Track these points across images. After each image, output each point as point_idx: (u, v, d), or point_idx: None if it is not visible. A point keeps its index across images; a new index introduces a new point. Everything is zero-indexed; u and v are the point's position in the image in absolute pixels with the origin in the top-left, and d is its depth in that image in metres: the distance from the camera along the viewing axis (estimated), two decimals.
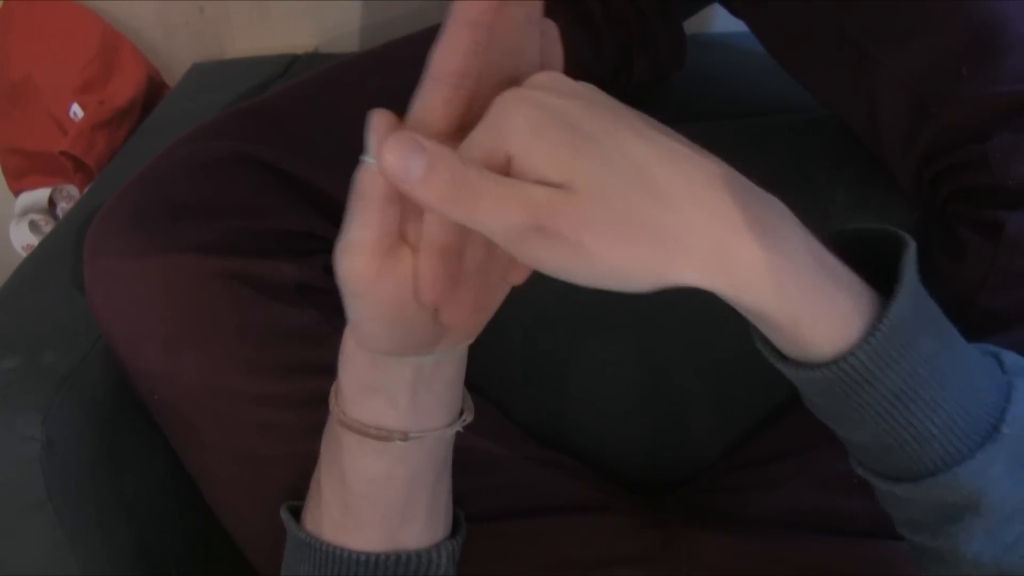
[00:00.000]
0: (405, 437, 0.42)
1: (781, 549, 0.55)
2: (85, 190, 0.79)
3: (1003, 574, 0.36)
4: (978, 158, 0.48)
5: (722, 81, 0.79)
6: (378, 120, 0.35)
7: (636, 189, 0.31)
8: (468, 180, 0.31)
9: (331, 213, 0.55)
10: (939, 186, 0.53)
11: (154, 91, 0.96)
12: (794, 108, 0.71)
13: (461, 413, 0.45)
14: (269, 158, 0.54)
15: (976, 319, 0.49)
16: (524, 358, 0.65)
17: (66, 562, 0.51)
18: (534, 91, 0.33)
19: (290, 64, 0.88)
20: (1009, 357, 0.38)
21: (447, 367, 0.42)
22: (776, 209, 0.34)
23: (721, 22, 0.89)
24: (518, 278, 0.39)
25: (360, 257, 0.36)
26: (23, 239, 0.94)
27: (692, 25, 0.76)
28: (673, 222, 0.31)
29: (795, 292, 0.33)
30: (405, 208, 0.36)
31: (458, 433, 0.45)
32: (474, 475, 0.55)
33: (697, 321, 0.63)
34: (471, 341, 0.42)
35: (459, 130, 0.35)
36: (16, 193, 0.96)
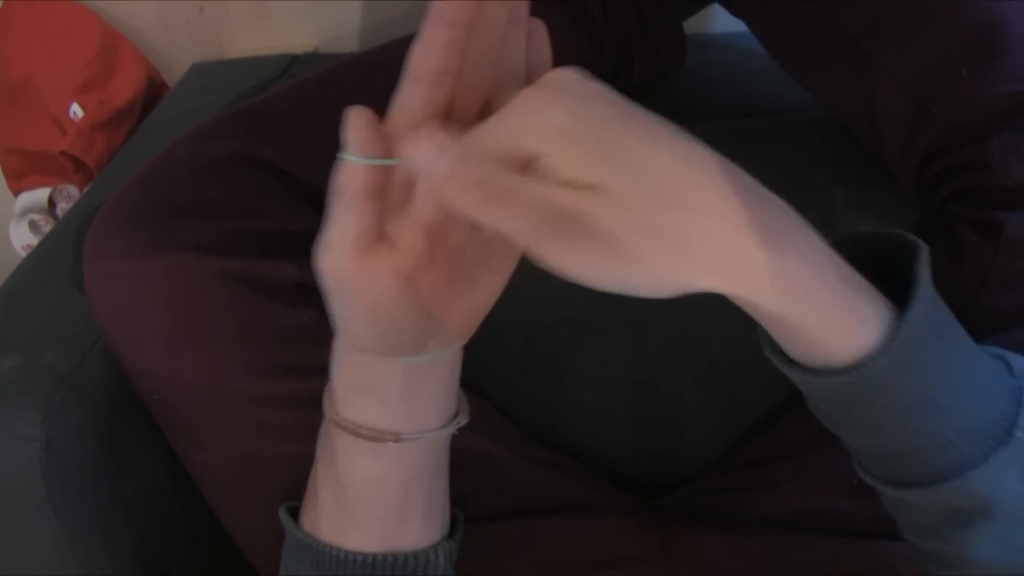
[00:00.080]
0: (397, 438, 0.42)
1: (781, 549, 0.55)
2: (85, 190, 0.79)
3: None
4: (978, 158, 0.48)
5: (722, 81, 0.79)
6: (355, 117, 0.35)
7: (660, 196, 0.31)
8: (495, 183, 0.31)
9: None
10: (939, 186, 0.53)
11: (154, 91, 0.96)
12: (794, 108, 0.71)
13: (456, 415, 0.45)
14: (269, 158, 0.54)
15: (976, 320, 0.49)
16: (524, 359, 0.65)
17: (65, 562, 0.51)
18: (556, 91, 0.33)
19: (290, 64, 0.88)
20: (1017, 361, 0.38)
21: (440, 369, 0.42)
22: (791, 215, 0.34)
23: (721, 22, 0.90)
24: (499, 266, 0.39)
25: (339, 254, 0.36)
26: (23, 239, 0.94)
27: (692, 25, 0.76)
28: (698, 229, 0.31)
29: (817, 298, 0.33)
30: (386, 205, 0.36)
31: (458, 433, 0.45)
32: (474, 476, 0.55)
33: (697, 322, 0.63)
34: (463, 342, 0.42)
35: (440, 129, 0.36)
36: (16, 193, 0.96)
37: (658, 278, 0.31)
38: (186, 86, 0.90)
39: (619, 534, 0.58)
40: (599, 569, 0.55)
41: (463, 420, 0.45)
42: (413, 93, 0.35)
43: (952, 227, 0.52)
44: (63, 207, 0.96)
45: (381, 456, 0.42)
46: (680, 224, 0.31)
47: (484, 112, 0.37)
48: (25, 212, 0.94)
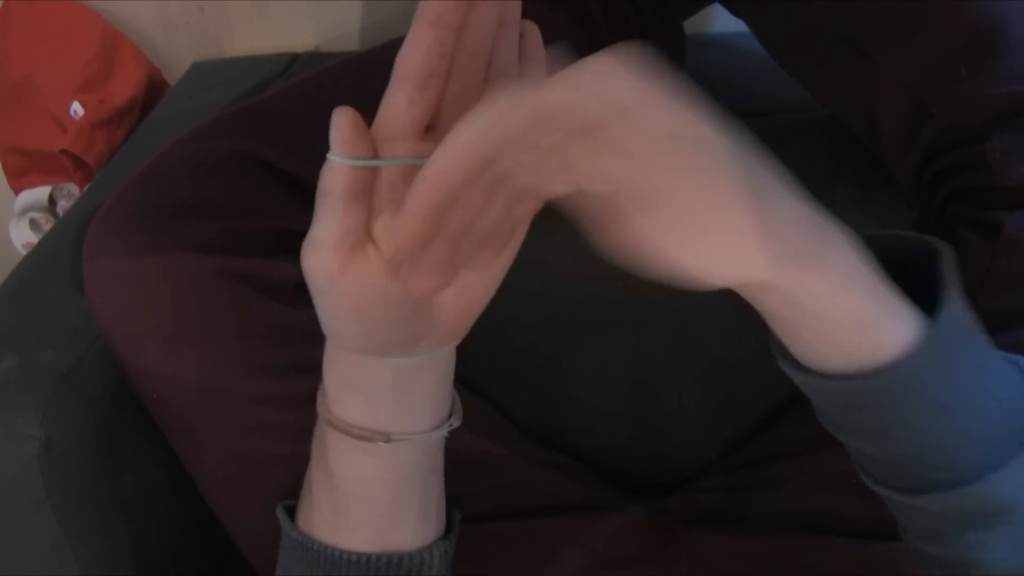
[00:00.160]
0: (388, 439, 0.42)
1: (781, 550, 0.55)
2: (85, 189, 0.79)
3: None
4: (977, 159, 0.48)
5: (722, 81, 0.79)
6: (339, 118, 0.35)
7: (714, 193, 0.32)
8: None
9: None
10: (938, 186, 0.53)
11: (154, 90, 0.96)
12: (794, 108, 0.71)
13: (450, 417, 0.45)
14: (269, 157, 0.54)
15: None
16: (524, 359, 0.65)
17: (64, 561, 0.51)
18: (627, 63, 0.32)
19: (290, 64, 0.88)
20: (1023, 362, 0.38)
21: (431, 370, 0.42)
22: (822, 211, 0.34)
23: (721, 22, 0.89)
24: (491, 267, 0.39)
25: (324, 253, 0.36)
26: (23, 237, 0.94)
27: (692, 25, 0.76)
28: (751, 220, 0.32)
29: (862, 292, 0.33)
30: (372, 205, 0.36)
31: (457, 434, 0.45)
32: (473, 475, 0.55)
33: (697, 322, 0.63)
34: (456, 344, 0.42)
35: (428, 130, 0.35)
36: (16, 191, 0.96)
37: (711, 267, 0.32)
38: (186, 85, 0.90)
39: (619, 534, 0.58)
40: (599, 569, 0.55)
41: (456, 422, 0.45)
42: (399, 94, 0.35)
43: (952, 227, 0.52)
44: (63, 205, 0.96)
45: (373, 456, 0.42)
46: (728, 219, 0.32)
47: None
48: (25, 210, 0.94)
